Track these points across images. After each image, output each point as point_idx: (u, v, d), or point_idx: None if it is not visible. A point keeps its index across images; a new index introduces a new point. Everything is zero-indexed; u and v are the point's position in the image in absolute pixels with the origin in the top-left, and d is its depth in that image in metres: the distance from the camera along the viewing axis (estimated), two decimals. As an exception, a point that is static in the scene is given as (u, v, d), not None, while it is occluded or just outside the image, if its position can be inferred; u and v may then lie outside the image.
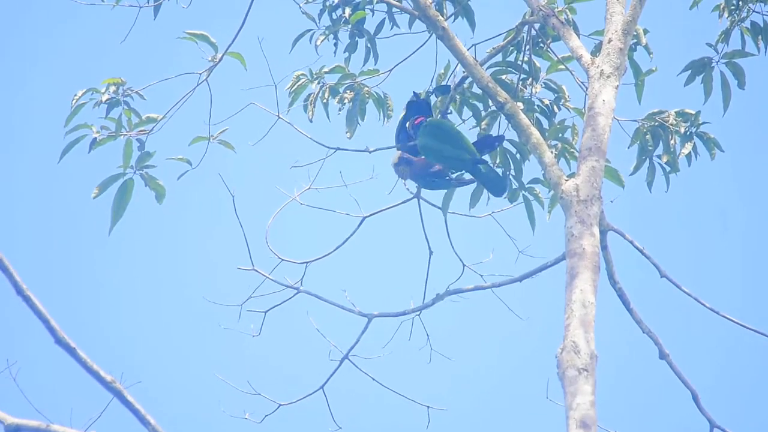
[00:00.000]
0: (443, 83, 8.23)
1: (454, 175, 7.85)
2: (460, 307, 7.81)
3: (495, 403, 9.87)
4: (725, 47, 8.11)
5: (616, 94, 6.88)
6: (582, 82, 8.00)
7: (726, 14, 8.09)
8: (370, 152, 8.09)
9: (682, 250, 10.73)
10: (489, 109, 8.12)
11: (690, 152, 8.09)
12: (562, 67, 8.08)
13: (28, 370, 6.25)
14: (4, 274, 5.07)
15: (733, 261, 11.11)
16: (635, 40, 7.98)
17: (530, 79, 8.13)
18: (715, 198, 10.76)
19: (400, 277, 9.38)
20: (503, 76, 8.10)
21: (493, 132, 8.08)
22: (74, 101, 8.04)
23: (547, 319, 7.43)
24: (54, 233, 11.30)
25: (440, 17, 7.48)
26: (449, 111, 8.08)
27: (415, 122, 7.95)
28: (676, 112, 8.13)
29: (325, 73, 8.25)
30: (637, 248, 7.16)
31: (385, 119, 8.27)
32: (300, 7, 8.24)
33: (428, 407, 7.94)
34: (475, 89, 8.10)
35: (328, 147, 8.12)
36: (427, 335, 8.05)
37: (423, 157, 7.86)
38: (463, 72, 7.74)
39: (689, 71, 8.11)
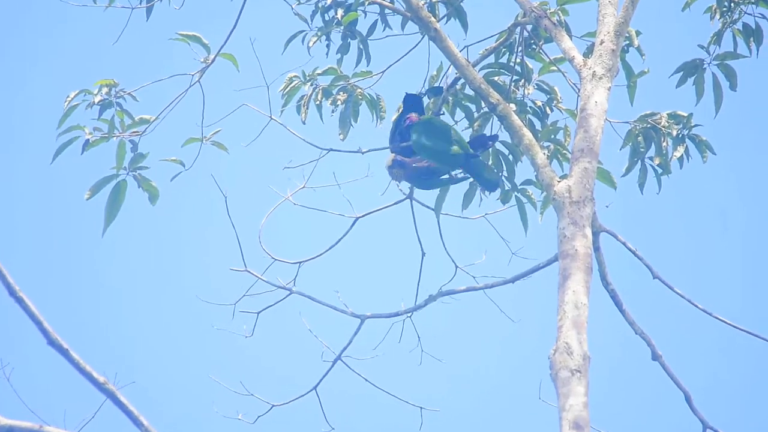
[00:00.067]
0: (436, 85, 8.24)
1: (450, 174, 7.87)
2: (452, 308, 7.82)
3: (488, 404, 9.88)
4: (717, 49, 8.13)
5: (608, 96, 6.89)
6: (574, 84, 8.01)
7: (718, 16, 8.10)
8: (362, 153, 8.10)
9: (674, 251, 10.75)
10: (481, 111, 8.13)
11: (682, 155, 8.10)
12: (555, 68, 8.09)
13: (21, 371, 6.25)
14: (-3, 275, 5.07)
15: (726, 262, 11.13)
16: (627, 42, 7.99)
17: (522, 81, 8.14)
18: (707, 199, 10.78)
19: (393, 277, 9.39)
20: (496, 78, 8.11)
21: (486, 133, 8.08)
22: (67, 103, 8.03)
23: (539, 321, 7.44)
24: (47, 234, 11.29)
25: (432, 19, 7.49)
26: (442, 112, 8.09)
27: (407, 121, 7.96)
28: (668, 114, 8.14)
29: (318, 74, 8.25)
30: (629, 249, 7.17)
31: (378, 121, 8.28)
32: (292, 9, 8.25)
33: (421, 408, 7.95)
34: (468, 90, 8.10)
35: (320, 148, 8.13)
36: (418, 337, 8.06)
37: (417, 157, 7.87)
38: (456, 73, 7.74)
39: (681, 73, 8.12)
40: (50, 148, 7.99)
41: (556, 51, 7.91)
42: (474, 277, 8.04)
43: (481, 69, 8.00)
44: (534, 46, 8.09)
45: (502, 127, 7.37)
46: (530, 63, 8.15)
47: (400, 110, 8.18)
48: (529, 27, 7.99)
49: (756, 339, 7.20)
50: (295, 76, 8.25)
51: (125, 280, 10.98)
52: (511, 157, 8.08)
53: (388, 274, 9.68)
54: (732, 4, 8.06)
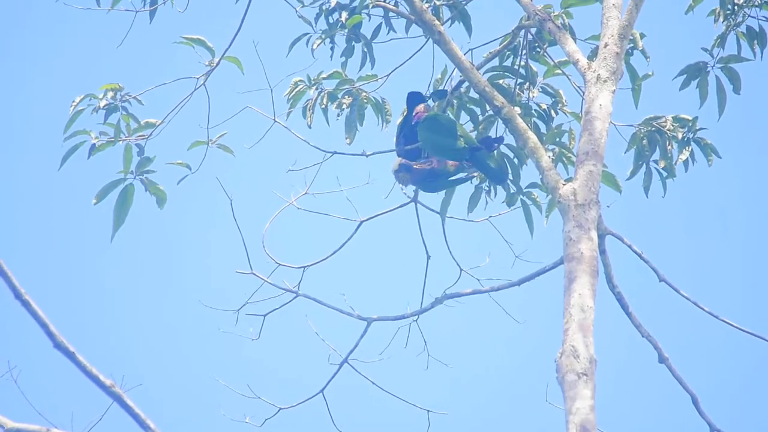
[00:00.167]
0: (440, 88, 8.24)
1: (456, 176, 7.88)
2: (459, 311, 7.82)
3: (495, 408, 9.88)
4: (721, 52, 8.12)
5: (612, 99, 6.88)
6: (579, 87, 8.01)
7: (722, 19, 8.10)
8: (367, 156, 8.11)
9: (680, 253, 10.75)
10: (486, 114, 8.13)
11: (687, 158, 8.10)
12: (559, 71, 8.09)
13: (28, 374, 6.26)
14: (3, 278, 5.07)
15: (732, 264, 11.13)
16: (632, 45, 7.99)
17: (527, 84, 8.14)
18: (712, 202, 10.78)
19: (398, 280, 9.39)
20: (500, 81, 8.11)
21: (491, 136, 8.09)
22: (72, 107, 8.05)
23: (545, 324, 7.44)
24: (53, 237, 11.30)
25: (437, 22, 7.49)
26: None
27: (415, 115, 7.98)
28: (673, 118, 8.14)
29: (323, 78, 8.26)
30: (635, 252, 7.17)
31: (384, 124, 8.29)
32: (296, 11, 8.25)
33: (428, 411, 7.95)
34: (472, 93, 8.10)
35: (325, 151, 8.14)
36: (424, 340, 8.06)
37: (422, 159, 7.89)
38: (460, 76, 7.75)
39: (684, 76, 8.12)
40: (56, 153, 8.01)
41: (560, 54, 7.92)
42: (479, 280, 8.05)
43: (485, 72, 8.00)
44: (538, 49, 8.10)
45: (507, 130, 7.37)
46: (535, 66, 8.16)
47: (405, 113, 8.19)
48: (533, 30, 7.99)
49: (763, 341, 7.20)
50: (300, 81, 8.26)
51: (131, 283, 11.00)
52: (516, 160, 8.08)
53: (393, 278, 9.69)
54: (736, 7, 8.06)
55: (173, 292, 10.64)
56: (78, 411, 5.97)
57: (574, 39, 7.83)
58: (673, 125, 8.10)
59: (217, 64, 8.16)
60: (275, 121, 8.13)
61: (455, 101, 8.14)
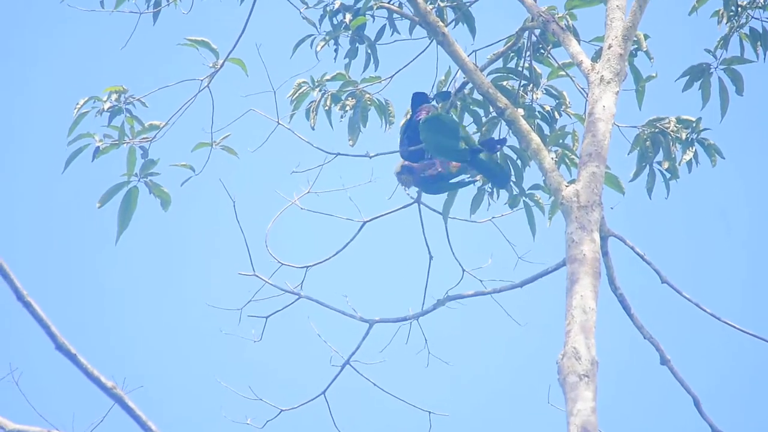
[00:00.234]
0: (444, 89, 8.25)
1: (459, 178, 7.88)
2: (461, 312, 7.81)
3: (496, 409, 9.88)
4: (724, 53, 8.12)
5: (616, 100, 6.88)
6: (582, 88, 8.00)
7: (725, 20, 8.09)
8: (370, 157, 8.11)
9: (682, 255, 10.74)
10: (489, 115, 8.13)
11: (691, 159, 8.09)
12: (563, 73, 8.09)
13: (30, 376, 6.27)
14: (5, 280, 5.08)
15: (734, 266, 11.12)
16: (636, 46, 7.98)
17: (531, 85, 8.14)
18: (715, 204, 10.77)
19: (400, 281, 9.39)
20: (504, 82, 8.11)
21: (494, 137, 8.09)
22: (76, 110, 8.05)
23: (547, 325, 7.44)
24: (56, 240, 11.32)
25: (440, 23, 7.49)
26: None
27: (418, 114, 7.99)
28: (676, 119, 8.13)
29: (327, 80, 8.26)
30: (637, 254, 7.16)
31: (387, 126, 8.29)
32: (300, 13, 8.26)
33: (430, 413, 7.95)
34: (476, 95, 8.10)
35: (328, 152, 8.14)
36: (426, 341, 8.06)
37: (426, 161, 7.90)
38: (464, 78, 7.75)
39: (687, 77, 8.11)
40: (60, 155, 8.01)
41: (564, 55, 7.91)
42: (481, 281, 8.05)
43: (489, 73, 8.00)
44: (542, 51, 8.09)
45: (510, 131, 7.37)
46: (539, 68, 8.15)
47: (408, 115, 8.19)
48: (537, 31, 7.99)
49: (765, 343, 7.19)
50: (303, 82, 8.27)
51: (134, 285, 11.01)
52: (519, 161, 8.08)
53: (395, 278, 9.69)
54: (739, 9, 8.06)
55: (176, 294, 10.65)
56: (79, 413, 5.98)
57: (578, 40, 7.83)
58: (676, 126, 8.10)
59: (221, 66, 8.16)
60: (279, 123, 8.13)
61: (459, 103, 8.14)
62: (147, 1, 8.33)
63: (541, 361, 6.61)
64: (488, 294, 7.66)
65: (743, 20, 8.08)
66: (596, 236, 6.37)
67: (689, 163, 8.09)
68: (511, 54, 8.13)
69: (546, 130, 8.14)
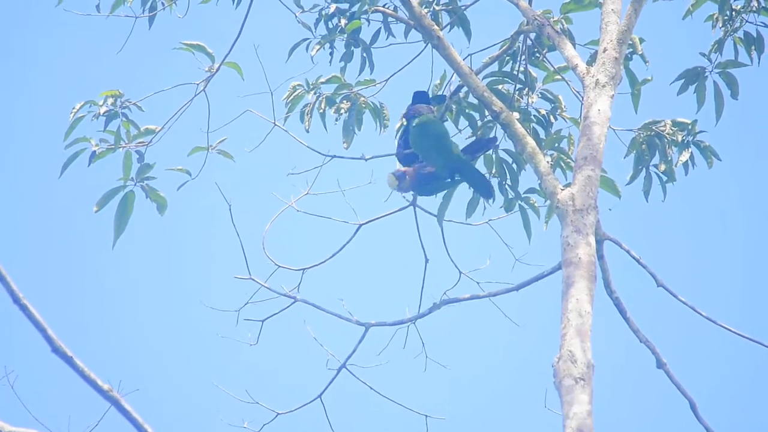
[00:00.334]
0: (439, 93, 8.25)
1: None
2: (456, 315, 7.82)
3: (493, 412, 9.88)
4: (719, 57, 8.13)
5: (611, 104, 6.89)
6: (578, 92, 8.01)
7: (720, 24, 8.10)
8: (366, 160, 8.12)
9: (678, 259, 10.75)
10: (485, 119, 8.14)
11: (687, 161, 8.10)
12: (559, 77, 8.10)
13: (26, 379, 6.27)
14: (1, 283, 5.08)
15: (731, 269, 11.12)
16: (631, 49, 7.99)
17: (526, 89, 8.15)
18: (711, 207, 10.78)
19: (397, 284, 9.39)
20: (499, 86, 8.11)
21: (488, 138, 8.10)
22: (72, 114, 8.05)
23: (543, 328, 7.44)
24: (53, 243, 11.31)
25: (435, 27, 7.50)
26: (445, 120, 8.10)
27: (411, 111, 8.01)
28: (672, 122, 8.14)
29: (322, 83, 8.27)
30: (633, 257, 7.17)
31: (382, 129, 8.30)
32: (296, 16, 8.26)
33: (426, 416, 7.95)
34: (471, 99, 8.11)
35: (324, 154, 8.15)
36: (423, 344, 8.06)
37: (417, 165, 7.92)
38: (459, 81, 7.76)
39: (682, 80, 8.12)
40: (56, 158, 8.02)
41: (559, 59, 7.92)
42: (478, 284, 8.05)
43: (484, 77, 8.01)
44: (537, 55, 8.10)
45: (506, 135, 7.38)
46: (534, 71, 8.16)
47: (404, 122, 8.20)
48: (532, 35, 8.00)
49: (761, 347, 7.20)
50: (298, 85, 8.27)
51: (129, 288, 11.01)
52: (514, 165, 8.09)
53: (391, 281, 9.70)
54: (734, 13, 8.07)
55: (172, 298, 10.65)
56: (75, 415, 5.98)
57: (573, 44, 7.84)
58: (672, 129, 8.11)
59: (217, 70, 8.17)
60: (275, 125, 8.14)
61: (454, 106, 8.15)
62: (143, 5, 8.33)
63: (537, 364, 6.62)
64: (484, 297, 7.67)
65: (737, 24, 8.09)
66: (592, 240, 6.37)
67: (685, 165, 8.10)
68: (507, 58, 8.14)
69: (542, 133, 8.15)
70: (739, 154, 10.23)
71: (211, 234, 10.45)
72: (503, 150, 8.05)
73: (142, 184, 8.07)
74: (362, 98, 8.28)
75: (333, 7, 8.21)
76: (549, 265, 7.19)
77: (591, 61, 7.77)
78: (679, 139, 8.09)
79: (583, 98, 6.99)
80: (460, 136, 8.17)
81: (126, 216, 7.99)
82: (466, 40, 8.21)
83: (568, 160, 8.00)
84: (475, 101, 8.00)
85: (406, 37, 8.21)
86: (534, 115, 8.15)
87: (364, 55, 8.26)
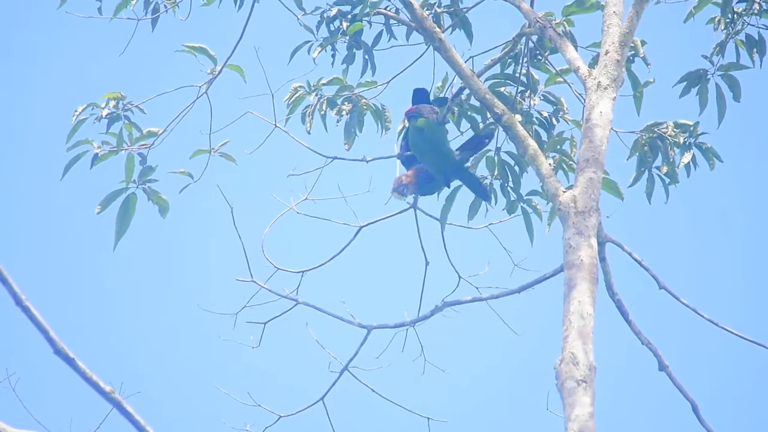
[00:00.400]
0: (441, 95, 8.25)
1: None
2: (458, 318, 7.82)
3: (494, 415, 9.87)
4: (720, 59, 8.12)
5: (613, 106, 6.89)
6: (580, 94, 8.01)
7: (721, 27, 8.10)
8: (367, 162, 8.12)
9: (681, 261, 10.75)
10: (487, 121, 8.14)
11: (689, 162, 8.09)
12: (560, 79, 8.10)
13: (27, 381, 6.27)
14: (3, 284, 5.08)
15: (733, 272, 11.12)
16: (633, 52, 7.99)
17: (528, 92, 8.15)
18: (713, 210, 10.78)
19: (396, 286, 9.39)
20: (501, 88, 8.11)
21: (491, 145, 8.10)
22: (75, 117, 8.06)
23: (545, 331, 7.44)
24: (55, 245, 11.32)
25: (437, 29, 7.50)
26: (446, 122, 8.10)
27: (411, 110, 8.03)
28: (674, 123, 8.14)
29: (323, 85, 8.27)
30: (635, 260, 7.17)
31: (383, 131, 8.30)
32: (298, 19, 8.26)
33: (428, 418, 7.95)
34: (473, 101, 8.11)
35: (325, 156, 8.15)
36: (421, 346, 8.06)
37: (417, 167, 7.95)
38: (461, 84, 7.76)
39: (685, 83, 8.12)
40: (58, 160, 8.02)
41: (561, 62, 7.91)
42: (477, 288, 8.05)
43: (486, 79, 8.00)
44: (539, 57, 8.10)
45: (507, 137, 7.38)
46: (536, 73, 8.16)
47: (406, 120, 8.21)
48: (534, 37, 7.99)
49: (763, 349, 7.20)
50: (300, 86, 8.27)
51: (131, 290, 11.01)
52: (516, 167, 8.09)
53: (391, 283, 9.70)
54: (735, 16, 8.06)
55: (174, 300, 10.66)
56: (77, 417, 5.98)
57: (575, 46, 7.84)
58: (674, 131, 8.11)
59: (219, 73, 8.18)
60: (276, 126, 8.14)
61: (456, 108, 8.15)
62: (145, 7, 8.33)
63: (539, 366, 6.62)
64: (486, 300, 7.67)
65: (739, 27, 8.09)
66: (594, 242, 6.37)
67: (687, 167, 8.10)
68: (509, 60, 8.13)
69: (544, 136, 8.15)
70: (740, 155, 10.24)
71: (211, 236, 10.46)
72: (505, 152, 8.05)
73: (144, 186, 8.07)
74: (364, 100, 8.28)
75: (335, 9, 8.21)
76: (549, 268, 7.19)
77: (593, 63, 7.77)
78: (681, 140, 8.09)
79: (585, 100, 6.99)
80: (462, 139, 8.18)
81: (128, 218, 8.00)
82: (468, 42, 8.21)
83: (570, 163, 8.00)
84: (477, 103, 8.00)
85: (408, 40, 8.20)
86: (536, 118, 8.15)
87: (366, 57, 8.26)
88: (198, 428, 9.03)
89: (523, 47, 8.06)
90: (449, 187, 7.92)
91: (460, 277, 8.15)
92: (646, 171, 8.13)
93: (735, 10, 8.07)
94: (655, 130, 8.12)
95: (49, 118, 10.92)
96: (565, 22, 7.98)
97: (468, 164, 8.00)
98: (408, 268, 8.34)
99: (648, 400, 9.84)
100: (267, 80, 8.02)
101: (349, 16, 8.19)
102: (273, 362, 9.11)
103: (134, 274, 10.91)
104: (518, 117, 7.83)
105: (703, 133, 8.11)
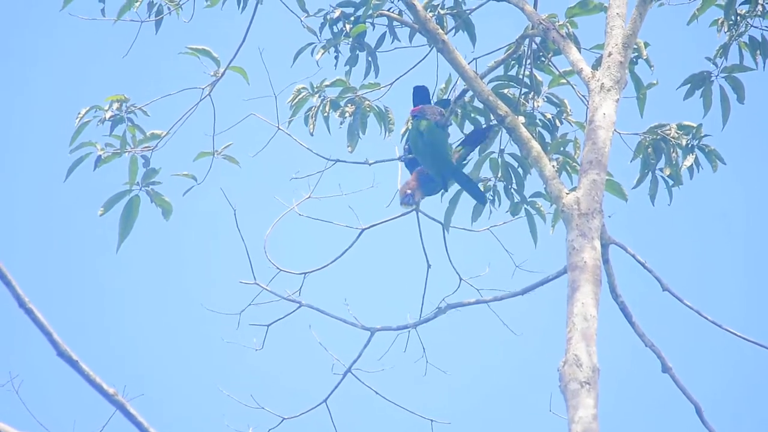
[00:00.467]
0: (444, 97, 8.25)
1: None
2: (461, 320, 7.82)
3: (497, 416, 9.87)
4: (724, 61, 8.12)
5: (616, 108, 6.89)
6: (583, 96, 8.01)
7: (725, 29, 8.09)
8: (369, 164, 8.12)
9: (684, 263, 10.74)
10: (490, 123, 8.13)
11: (692, 164, 8.09)
12: (564, 81, 8.10)
13: (30, 383, 6.27)
14: (7, 287, 5.08)
15: (736, 273, 11.11)
16: (636, 54, 7.99)
17: (532, 93, 8.14)
18: (717, 212, 10.77)
19: (399, 289, 9.39)
20: (504, 90, 8.11)
21: (494, 147, 8.10)
22: (78, 119, 8.06)
23: (549, 333, 7.44)
24: (58, 247, 11.32)
25: (440, 31, 7.51)
26: (449, 124, 8.10)
27: (413, 111, 8.04)
28: (677, 125, 8.14)
29: (326, 86, 8.27)
30: (638, 262, 7.17)
31: (387, 133, 8.30)
32: (301, 21, 8.26)
33: (432, 420, 7.94)
34: (476, 103, 8.11)
35: (328, 159, 8.15)
36: (423, 348, 8.05)
37: (420, 168, 7.98)
38: (464, 85, 7.76)
39: (689, 85, 8.11)
40: (62, 162, 8.03)
41: (565, 63, 7.91)
42: (478, 290, 8.04)
43: (489, 81, 8.01)
44: (543, 59, 8.10)
45: (511, 139, 7.38)
46: (539, 75, 8.16)
47: (409, 123, 8.20)
48: (537, 39, 7.99)
49: (766, 351, 7.19)
50: (303, 88, 8.27)
51: (134, 292, 11.02)
52: (520, 169, 8.09)
53: (393, 286, 9.69)
54: (738, 17, 8.06)
55: (177, 302, 10.65)
56: (80, 420, 5.99)
57: (578, 48, 7.84)
58: (677, 133, 8.10)
59: (222, 75, 8.18)
60: (279, 128, 8.15)
61: (459, 110, 8.15)
62: (149, 9, 8.34)
63: (543, 368, 6.62)
64: (489, 302, 7.67)
65: (742, 29, 8.09)
66: (597, 244, 6.38)
67: (690, 169, 8.10)
68: (512, 62, 8.13)
69: (547, 137, 8.14)
70: (744, 157, 10.22)
71: (214, 238, 10.46)
72: (509, 154, 8.06)
73: (148, 188, 8.08)
74: (367, 102, 8.28)
75: (338, 11, 8.21)
76: (552, 270, 7.19)
77: (596, 65, 7.77)
78: (684, 143, 8.09)
79: (588, 102, 6.99)
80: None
81: (131, 220, 8.00)
82: (471, 44, 8.21)
83: (574, 164, 8.00)
84: (480, 105, 8.00)
85: (411, 41, 8.20)
86: (539, 119, 8.15)
87: (369, 59, 8.26)
88: (201, 430, 9.03)
89: (526, 49, 8.06)
90: (446, 191, 7.92)
91: (460, 280, 8.15)
92: (650, 173, 8.13)
93: (738, 12, 8.07)
94: (659, 131, 8.12)
95: (53, 120, 10.93)
96: (568, 24, 7.98)
97: (465, 162, 8.01)
98: (410, 270, 8.35)
99: (651, 402, 9.84)
100: (270, 82, 8.03)
101: (352, 18, 8.19)
102: (276, 364, 9.11)
103: (137, 277, 10.91)
104: (521, 119, 7.83)
105: (706, 135, 8.10)
